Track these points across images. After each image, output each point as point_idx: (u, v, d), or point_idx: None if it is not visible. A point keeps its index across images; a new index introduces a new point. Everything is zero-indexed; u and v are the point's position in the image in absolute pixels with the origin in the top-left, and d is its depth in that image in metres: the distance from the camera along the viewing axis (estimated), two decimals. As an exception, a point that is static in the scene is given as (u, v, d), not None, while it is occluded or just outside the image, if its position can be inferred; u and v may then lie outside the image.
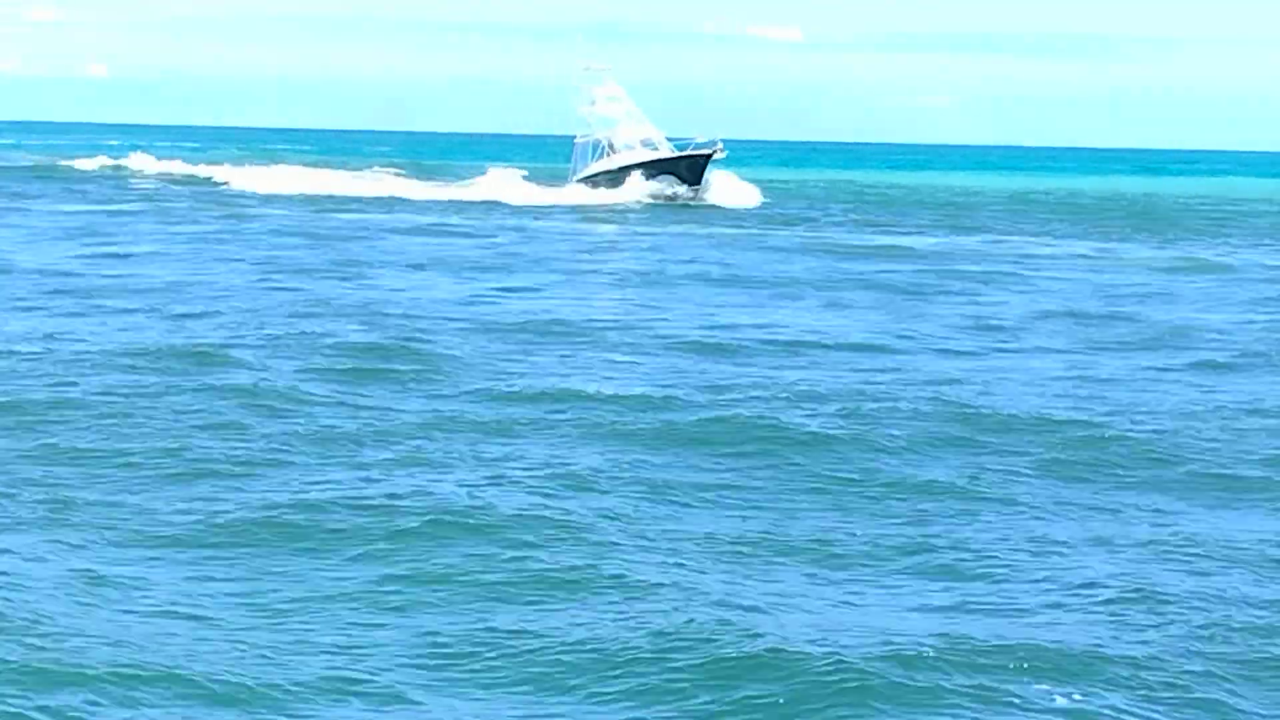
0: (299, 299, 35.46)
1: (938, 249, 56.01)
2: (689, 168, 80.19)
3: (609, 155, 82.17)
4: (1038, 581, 14.83)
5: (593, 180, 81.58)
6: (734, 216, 73.10)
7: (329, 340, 28.39)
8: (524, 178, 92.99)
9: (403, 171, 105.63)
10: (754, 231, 63.12)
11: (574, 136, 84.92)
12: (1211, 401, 24.36)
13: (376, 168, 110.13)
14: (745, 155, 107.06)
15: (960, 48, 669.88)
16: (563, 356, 27.82)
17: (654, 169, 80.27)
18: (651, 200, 78.63)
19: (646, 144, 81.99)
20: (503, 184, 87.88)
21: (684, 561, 15.16)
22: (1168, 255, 55.85)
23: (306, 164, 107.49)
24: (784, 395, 23.83)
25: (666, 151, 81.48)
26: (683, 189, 79.73)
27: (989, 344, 31.05)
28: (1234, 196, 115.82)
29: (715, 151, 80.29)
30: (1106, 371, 27.29)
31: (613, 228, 64.90)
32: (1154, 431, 21.67)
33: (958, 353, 29.68)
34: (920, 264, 49.14)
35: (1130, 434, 21.33)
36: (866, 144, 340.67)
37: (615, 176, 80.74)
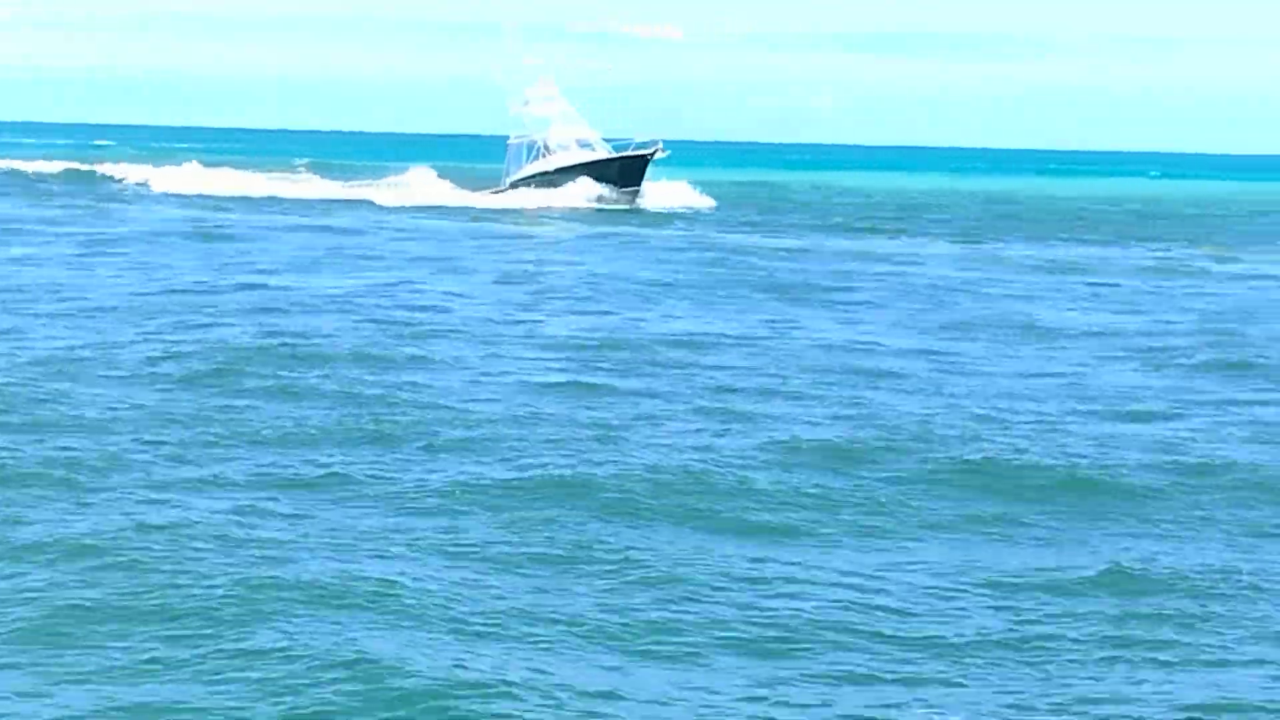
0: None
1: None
2: (627, 169, 77.29)
3: (544, 156, 79.05)
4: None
5: (527, 182, 78.41)
6: (674, 219, 70.60)
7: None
8: (438, 175, 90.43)
9: (305, 171, 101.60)
10: (698, 234, 60.42)
11: (507, 137, 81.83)
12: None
13: (300, 169, 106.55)
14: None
15: (844, 48, 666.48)
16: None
17: (591, 171, 77.27)
18: (589, 204, 75.63)
19: (582, 144, 79.07)
20: (426, 186, 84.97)
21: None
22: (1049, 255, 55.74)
23: (206, 163, 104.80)
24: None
25: (604, 152, 78.58)
26: (621, 191, 76.83)
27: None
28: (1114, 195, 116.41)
29: (655, 152, 77.49)
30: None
31: (544, 229, 62.01)
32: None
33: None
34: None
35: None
36: (754, 143, 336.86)
37: (551, 178, 77.64)
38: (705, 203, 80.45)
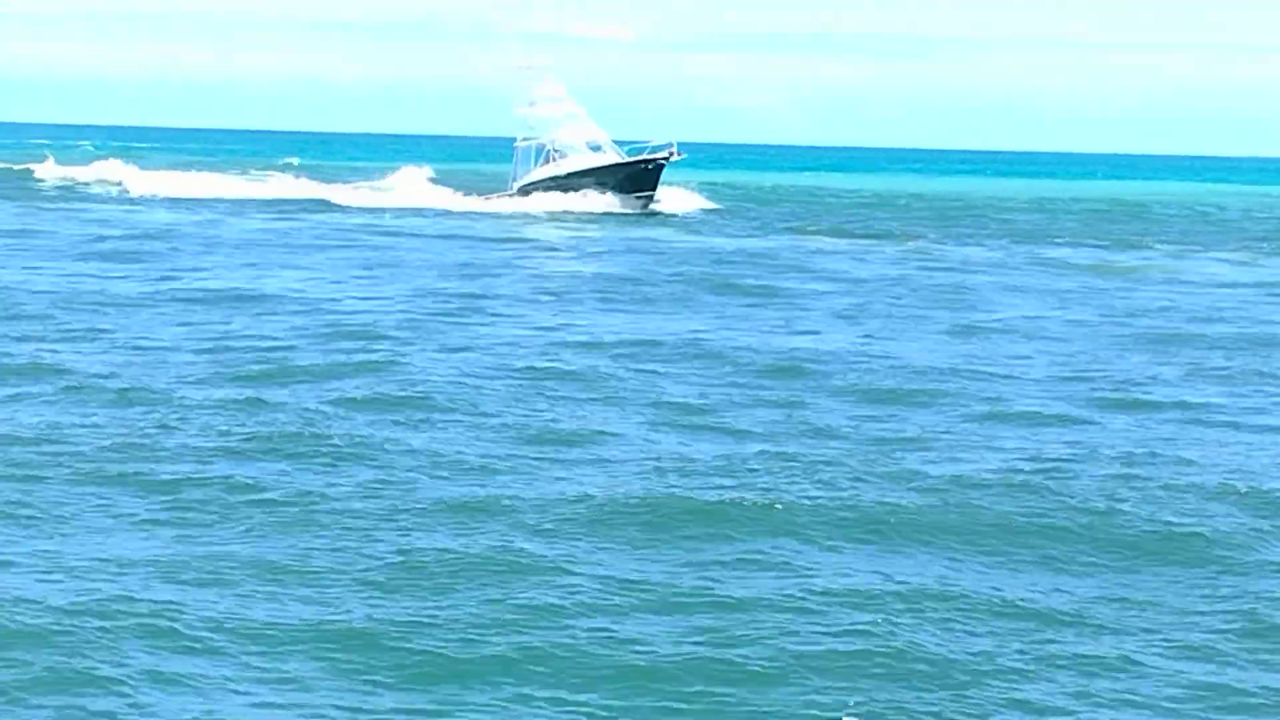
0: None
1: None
2: (643, 174, 73.64)
3: (554, 160, 75.30)
4: None
5: (537, 186, 74.68)
6: (687, 224, 67.13)
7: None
8: (429, 179, 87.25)
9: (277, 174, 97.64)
10: (718, 240, 56.77)
11: (514, 139, 78.06)
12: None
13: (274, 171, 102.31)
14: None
15: (790, 49, 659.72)
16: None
17: (605, 175, 73.61)
18: (603, 209, 71.93)
19: (592, 147, 75.40)
20: (420, 190, 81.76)
21: None
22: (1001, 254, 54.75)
23: (184, 165, 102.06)
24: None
25: (616, 156, 74.93)
26: (635, 197, 73.17)
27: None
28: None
29: (670, 155, 73.83)
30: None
31: (558, 234, 58.40)
32: None
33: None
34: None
35: None
36: (703, 144, 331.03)
37: (563, 183, 73.97)
38: (711, 206, 77.26)
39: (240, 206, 72.39)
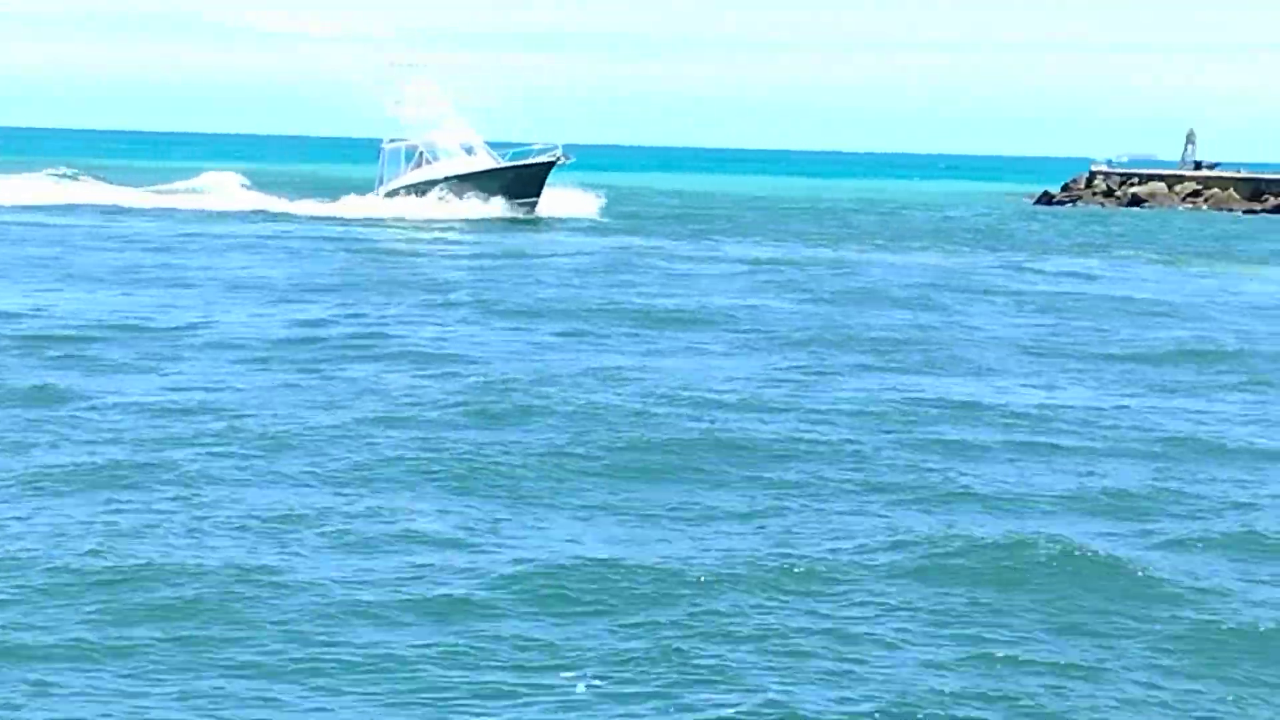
0: None
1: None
2: (526, 178, 70.36)
3: (428, 163, 71.63)
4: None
5: (411, 191, 70.67)
6: (579, 228, 64.19)
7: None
8: (242, 184, 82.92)
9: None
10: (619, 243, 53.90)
11: (380, 140, 74.08)
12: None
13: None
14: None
15: (503, 46, 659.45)
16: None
17: (486, 179, 70.14)
18: (485, 214, 68.50)
19: (466, 149, 71.84)
20: (232, 193, 77.56)
21: None
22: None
23: None
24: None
25: (490, 159, 71.52)
26: (518, 202, 69.97)
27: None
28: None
29: (557, 159, 70.77)
30: None
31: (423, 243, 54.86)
32: None
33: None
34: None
35: None
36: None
37: (440, 187, 70.03)
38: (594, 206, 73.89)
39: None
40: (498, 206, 69.08)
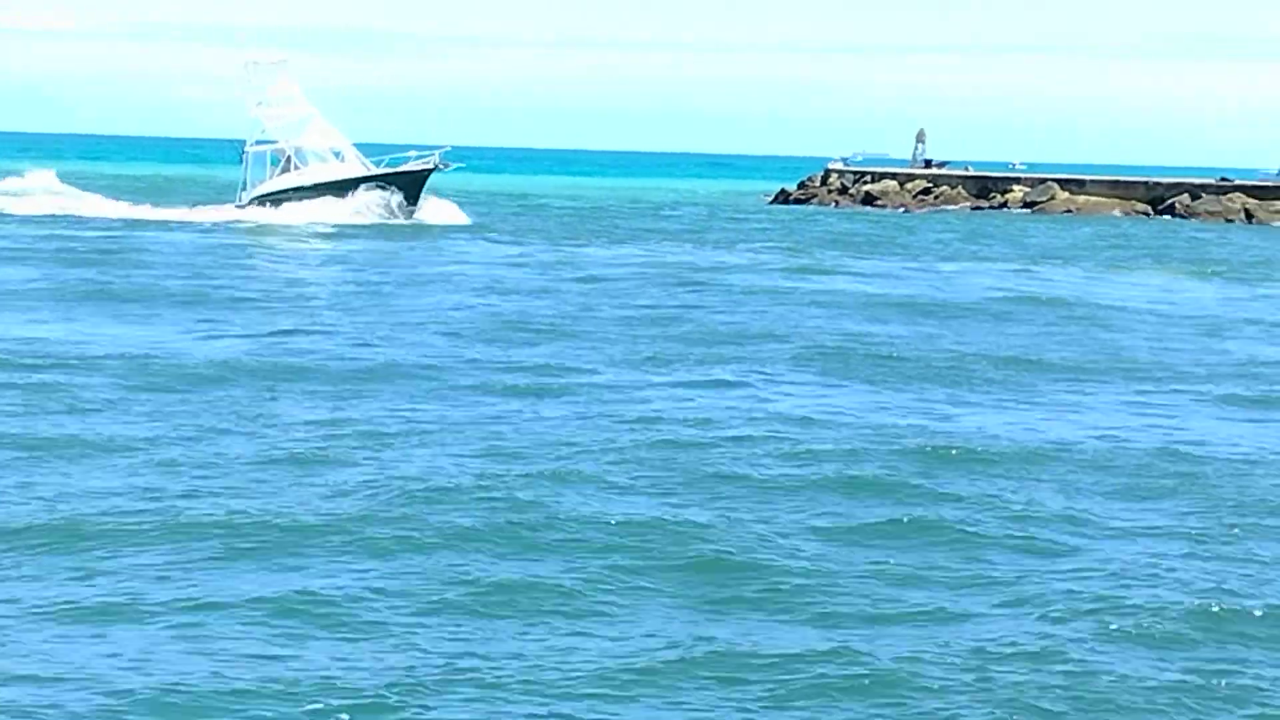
0: None
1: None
2: (404, 184, 68.15)
3: (296, 168, 68.86)
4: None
5: (284, 197, 67.88)
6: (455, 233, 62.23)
7: None
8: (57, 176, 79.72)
9: None
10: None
11: (243, 143, 71.07)
12: None
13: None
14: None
15: (219, 39, 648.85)
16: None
17: (361, 185, 67.65)
18: (362, 220, 66.01)
19: (335, 154, 69.23)
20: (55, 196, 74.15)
21: None
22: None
23: None
24: None
25: (362, 165, 69.12)
26: (397, 208, 67.72)
27: None
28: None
29: (435, 166, 68.65)
30: None
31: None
32: None
33: None
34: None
35: None
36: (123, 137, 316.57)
37: (312, 193, 67.42)
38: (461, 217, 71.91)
39: None
40: (374, 213, 66.79)
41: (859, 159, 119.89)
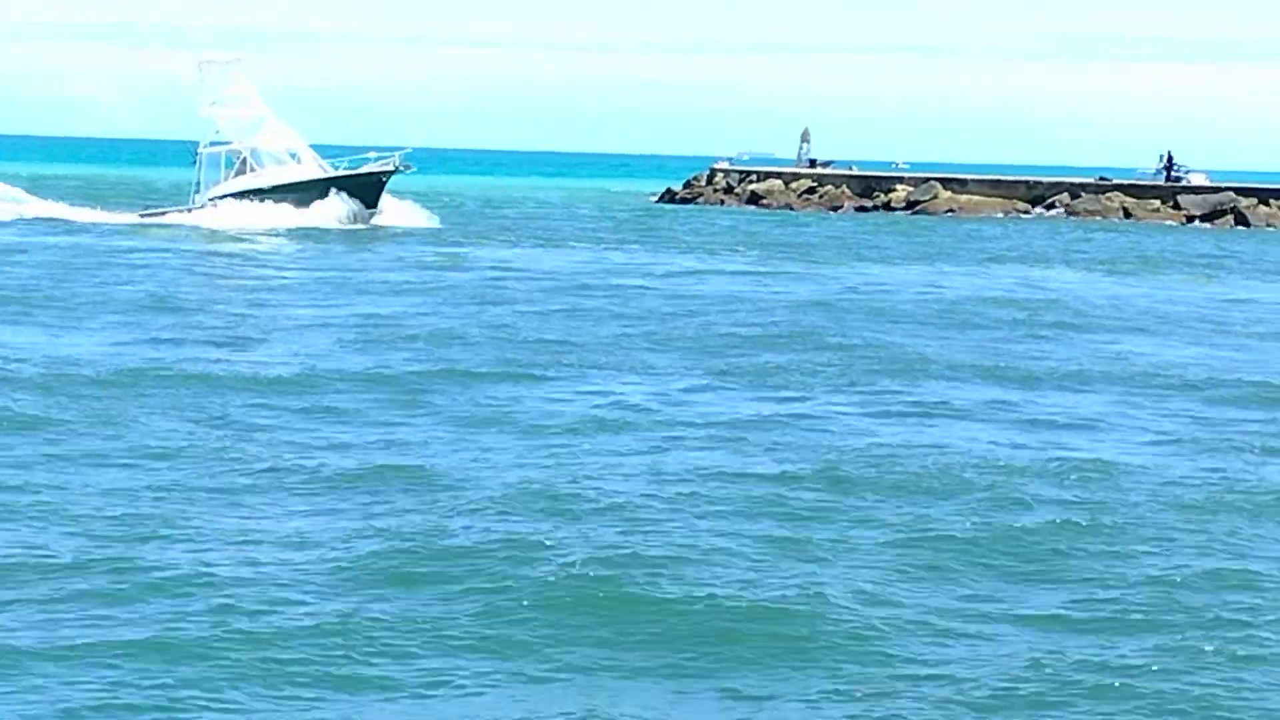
0: None
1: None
2: (363, 187, 65.89)
3: (252, 170, 66.47)
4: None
5: (239, 199, 65.25)
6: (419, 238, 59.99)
7: None
8: None
9: None
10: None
11: (196, 144, 68.55)
12: None
13: None
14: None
15: (115, 38, 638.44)
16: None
17: (318, 188, 65.30)
18: (321, 224, 63.68)
19: (292, 155, 66.88)
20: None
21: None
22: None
23: None
24: None
25: (320, 167, 66.79)
26: (356, 212, 65.45)
27: None
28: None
29: (395, 168, 66.36)
30: None
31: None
32: None
33: None
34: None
35: None
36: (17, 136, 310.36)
37: (269, 196, 65.09)
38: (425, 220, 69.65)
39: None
40: (333, 217, 64.52)
41: (745, 158, 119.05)
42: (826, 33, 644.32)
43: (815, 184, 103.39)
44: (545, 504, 16.15)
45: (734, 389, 24.76)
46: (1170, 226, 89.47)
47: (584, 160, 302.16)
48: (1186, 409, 23.83)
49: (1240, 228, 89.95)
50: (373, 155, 67.08)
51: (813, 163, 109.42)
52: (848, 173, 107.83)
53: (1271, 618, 13.12)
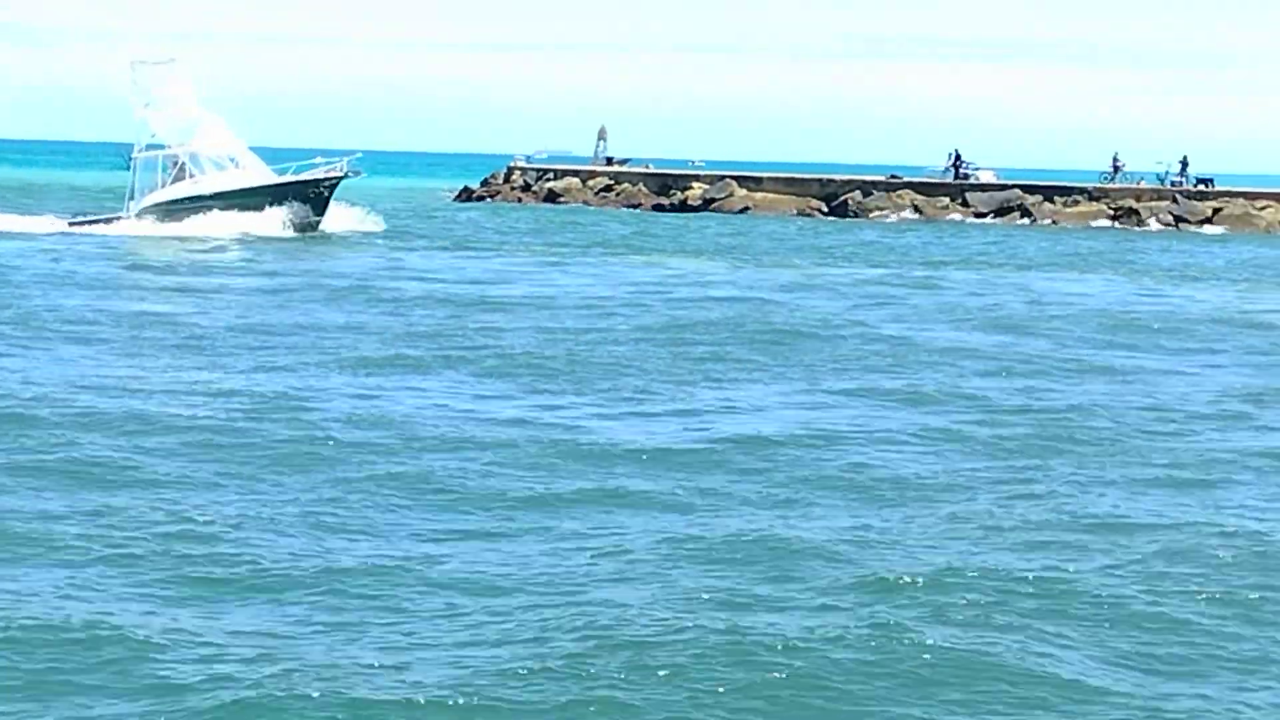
0: None
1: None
2: (309, 194, 62.39)
3: (191, 176, 62.68)
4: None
5: (178, 207, 61.68)
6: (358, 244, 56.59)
7: None
8: None
9: None
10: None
11: (130, 148, 64.67)
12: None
13: None
14: None
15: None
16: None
17: (264, 195, 61.73)
18: (264, 232, 60.12)
19: (232, 160, 63.24)
20: None
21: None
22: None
23: None
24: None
25: (263, 173, 63.24)
26: (301, 219, 61.87)
27: None
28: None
29: (343, 173, 62.89)
30: None
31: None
32: None
33: None
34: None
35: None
36: None
37: (209, 203, 61.46)
38: (370, 226, 66.30)
39: None
40: (277, 225, 61.01)
41: (542, 156, 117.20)
42: (628, 31, 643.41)
43: (612, 182, 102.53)
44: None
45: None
46: (959, 222, 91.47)
47: (400, 159, 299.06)
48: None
49: (1024, 220, 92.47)
50: (319, 160, 63.61)
51: (610, 160, 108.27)
52: (644, 170, 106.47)
53: None
